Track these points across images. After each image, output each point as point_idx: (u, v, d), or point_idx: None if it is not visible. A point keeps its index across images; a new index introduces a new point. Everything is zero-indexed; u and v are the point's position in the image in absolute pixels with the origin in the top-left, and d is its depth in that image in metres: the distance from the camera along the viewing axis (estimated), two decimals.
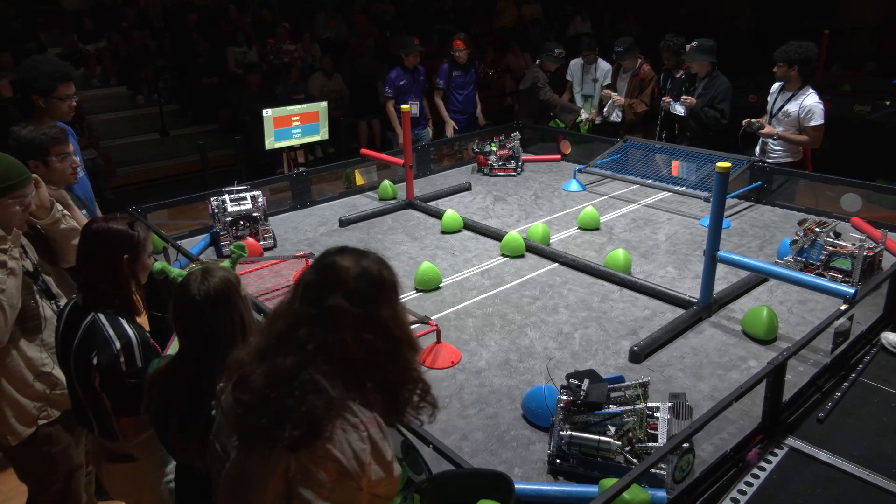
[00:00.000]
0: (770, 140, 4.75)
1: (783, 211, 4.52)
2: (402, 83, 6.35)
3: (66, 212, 2.67)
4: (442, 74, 6.57)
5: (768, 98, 4.81)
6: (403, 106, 4.73)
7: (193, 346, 1.84)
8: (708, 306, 3.15)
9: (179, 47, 9.64)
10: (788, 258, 3.49)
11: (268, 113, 6.01)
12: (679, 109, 5.39)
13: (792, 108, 4.55)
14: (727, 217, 4.40)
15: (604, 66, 6.20)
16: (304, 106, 6.31)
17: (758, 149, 4.87)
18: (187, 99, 9.63)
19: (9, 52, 7.82)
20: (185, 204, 4.50)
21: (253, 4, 10.77)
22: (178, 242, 4.33)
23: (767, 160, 4.76)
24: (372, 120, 9.18)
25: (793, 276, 2.90)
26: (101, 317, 2.09)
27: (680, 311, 3.19)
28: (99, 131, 8.58)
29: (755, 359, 2.81)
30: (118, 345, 2.04)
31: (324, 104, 6.39)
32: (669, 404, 2.26)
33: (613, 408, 2.22)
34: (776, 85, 4.74)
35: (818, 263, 3.36)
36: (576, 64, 6.36)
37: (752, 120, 4.69)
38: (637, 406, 2.15)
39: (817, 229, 3.40)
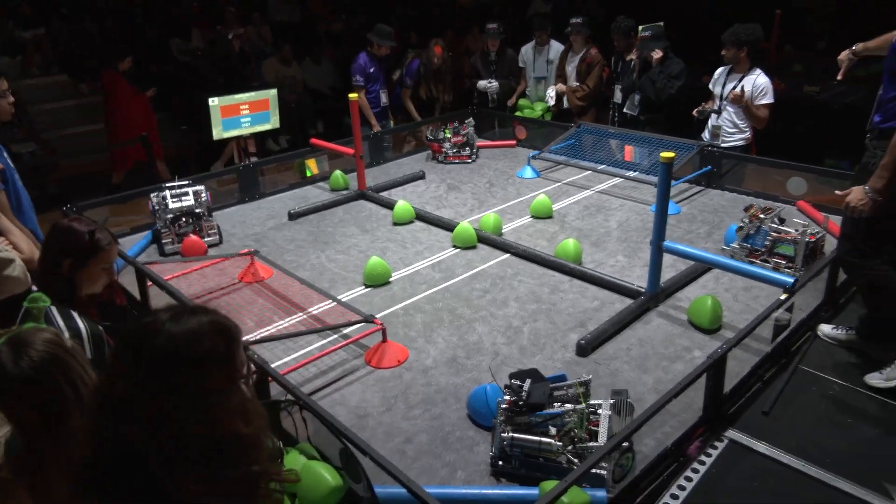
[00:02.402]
0: (723, 124, 4.77)
1: (732, 195, 4.56)
2: (371, 70, 6.17)
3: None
4: (410, 73, 6.41)
5: (710, 85, 4.83)
6: (352, 94, 4.61)
7: (36, 436, 1.50)
8: (655, 296, 3.16)
9: (125, 33, 9.26)
10: (734, 245, 3.52)
11: (214, 102, 5.78)
12: (633, 108, 5.35)
13: (745, 87, 4.57)
14: (677, 202, 4.43)
15: (557, 46, 6.13)
16: (253, 94, 6.09)
17: (706, 133, 4.88)
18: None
19: None
20: (125, 201, 4.32)
21: None
22: (120, 240, 4.19)
23: (723, 144, 4.79)
24: None
25: (734, 267, 2.92)
26: (53, 309, 2.04)
27: (629, 302, 3.19)
28: (39, 122, 8.21)
29: (700, 349, 2.83)
30: (67, 336, 1.95)
31: (273, 91, 6.17)
32: (611, 401, 2.25)
33: (556, 407, 2.21)
34: (720, 70, 4.76)
35: (763, 250, 3.40)
36: (527, 48, 6.28)
37: (703, 106, 4.73)
38: (577, 406, 2.14)
39: (762, 216, 3.43)
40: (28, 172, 7.87)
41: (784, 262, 3.32)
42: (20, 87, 8.99)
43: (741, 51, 4.51)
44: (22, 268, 2.50)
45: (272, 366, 2.78)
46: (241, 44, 9.40)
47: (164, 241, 3.95)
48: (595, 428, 2.19)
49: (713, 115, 4.72)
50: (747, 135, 4.70)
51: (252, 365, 1.29)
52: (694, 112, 4.80)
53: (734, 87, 4.56)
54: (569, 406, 2.18)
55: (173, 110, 9.00)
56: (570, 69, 5.87)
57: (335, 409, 2.52)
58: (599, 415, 2.23)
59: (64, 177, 8.10)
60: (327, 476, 1.89)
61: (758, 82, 4.49)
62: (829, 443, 2.22)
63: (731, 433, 2.30)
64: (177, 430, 1.05)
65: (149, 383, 1.05)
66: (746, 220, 3.47)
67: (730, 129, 4.74)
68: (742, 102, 4.44)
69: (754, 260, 3.41)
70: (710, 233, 3.99)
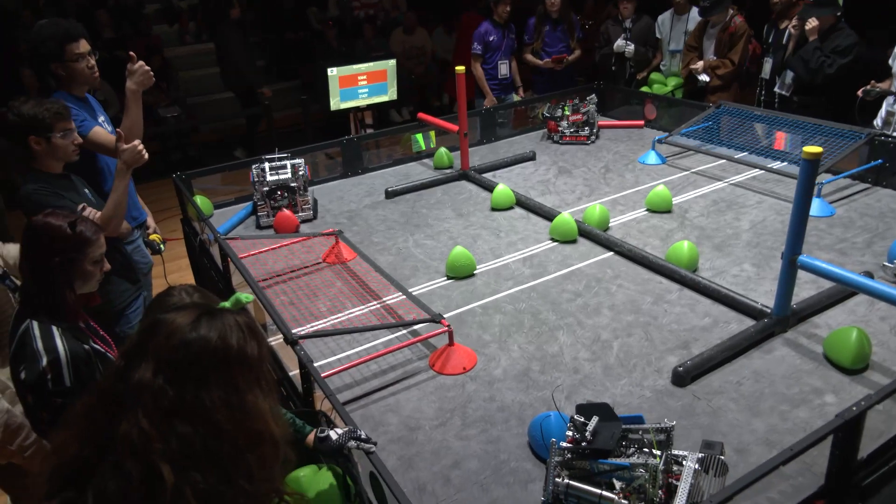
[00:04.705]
0: None
1: None
2: (491, 38, 5.87)
3: None
4: (528, 31, 6.04)
5: (890, 60, 3.97)
6: (458, 67, 4.30)
7: None
8: (784, 319, 2.60)
9: (265, 2, 9.61)
10: None
11: (333, 72, 5.80)
12: (784, 87, 4.57)
13: None
14: (833, 202, 3.70)
15: (697, 17, 5.39)
16: (371, 64, 6.04)
17: (879, 120, 4.03)
18: (273, 55, 9.64)
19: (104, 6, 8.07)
20: (230, 171, 4.39)
21: None
22: (223, 210, 4.28)
23: None
24: None
25: (892, 297, 2.28)
26: (35, 326, 1.91)
27: (749, 323, 2.66)
28: (184, 88, 8.77)
29: (835, 393, 2.27)
30: (45, 361, 1.86)
31: (392, 62, 6.08)
32: (700, 455, 1.83)
33: (629, 454, 1.82)
34: None
35: None
36: (664, 17, 5.59)
37: (872, 86, 3.90)
38: (650, 461, 1.74)
39: None
40: (172, 136, 8.47)
41: None
42: (175, 54, 9.68)
43: None
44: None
45: (334, 358, 2.64)
46: (375, 12, 9.41)
47: (259, 214, 3.96)
48: (675, 482, 1.79)
49: (889, 98, 3.88)
50: None
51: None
52: (859, 92, 4.00)
53: None
54: (644, 455, 1.79)
55: (302, 78, 9.25)
56: (708, 44, 5.13)
57: (386, 417, 2.32)
58: (683, 466, 1.82)
59: (203, 141, 8.62)
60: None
61: None
62: None
63: None
64: (206, 423, 1.03)
65: (176, 375, 1.04)
66: None
67: None
68: None
69: None
70: (871, 243, 3.26)
